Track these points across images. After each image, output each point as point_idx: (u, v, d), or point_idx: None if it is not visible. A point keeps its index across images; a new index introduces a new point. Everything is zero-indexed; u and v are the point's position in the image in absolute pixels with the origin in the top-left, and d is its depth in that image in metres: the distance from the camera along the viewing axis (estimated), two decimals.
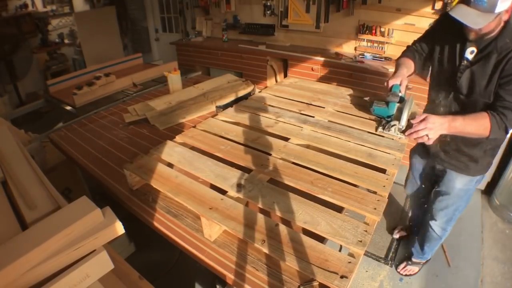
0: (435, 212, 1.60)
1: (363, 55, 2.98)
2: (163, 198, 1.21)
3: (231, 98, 2.08)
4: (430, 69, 1.44)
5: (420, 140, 1.16)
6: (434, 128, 1.12)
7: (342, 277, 0.81)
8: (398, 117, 1.39)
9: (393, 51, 2.93)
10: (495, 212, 2.36)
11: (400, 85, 1.39)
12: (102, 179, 1.40)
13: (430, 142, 1.15)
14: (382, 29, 2.94)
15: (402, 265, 1.91)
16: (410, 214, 2.12)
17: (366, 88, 2.69)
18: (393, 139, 1.43)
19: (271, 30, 3.70)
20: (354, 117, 1.64)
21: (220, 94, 2.12)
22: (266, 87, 2.30)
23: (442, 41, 1.32)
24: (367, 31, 3.02)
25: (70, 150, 1.67)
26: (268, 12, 3.62)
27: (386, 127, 1.46)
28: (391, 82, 1.40)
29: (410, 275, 1.88)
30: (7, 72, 3.65)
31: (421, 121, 1.13)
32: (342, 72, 2.87)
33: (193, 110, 1.96)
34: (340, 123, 1.58)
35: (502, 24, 1.11)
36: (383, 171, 1.23)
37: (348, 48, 3.26)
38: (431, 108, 1.42)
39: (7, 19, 4.04)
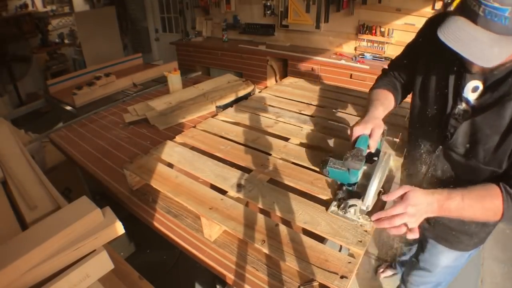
0: (410, 286, 1.25)
1: (363, 55, 2.98)
2: (163, 198, 1.21)
3: (231, 98, 2.08)
4: (410, 105, 0.97)
5: (394, 232, 0.75)
6: (417, 213, 0.72)
7: (342, 277, 0.81)
8: (362, 190, 0.90)
9: (393, 51, 2.93)
10: None
11: (370, 136, 0.88)
12: (102, 179, 1.40)
13: (413, 236, 0.74)
14: (382, 29, 2.94)
15: None
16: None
17: (366, 88, 2.68)
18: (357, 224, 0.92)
19: (271, 30, 3.70)
20: (354, 117, 1.64)
21: (220, 94, 2.12)
22: (266, 87, 2.30)
23: (427, 65, 0.86)
24: (367, 31, 3.02)
25: (70, 150, 1.67)
26: (268, 12, 3.62)
27: (342, 205, 0.93)
28: (357, 132, 0.89)
29: None
30: (7, 72, 3.65)
31: (398, 200, 0.74)
32: (342, 72, 2.87)
33: (193, 110, 1.95)
34: (340, 123, 1.58)
35: None
36: None
37: (348, 48, 3.26)
38: (408, 164, 1.00)
39: (7, 19, 4.05)
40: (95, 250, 0.75)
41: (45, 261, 0.69)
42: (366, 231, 0.89)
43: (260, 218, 1.00)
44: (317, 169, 1.21)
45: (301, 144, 1.41)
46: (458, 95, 0.79)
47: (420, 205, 0.72)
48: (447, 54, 0.70)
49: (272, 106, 1.80)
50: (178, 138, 1.49)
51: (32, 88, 4.40)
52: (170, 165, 1.31)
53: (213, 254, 0.99)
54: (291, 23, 3.49)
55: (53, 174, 1.85)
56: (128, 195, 1.26)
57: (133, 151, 1.59)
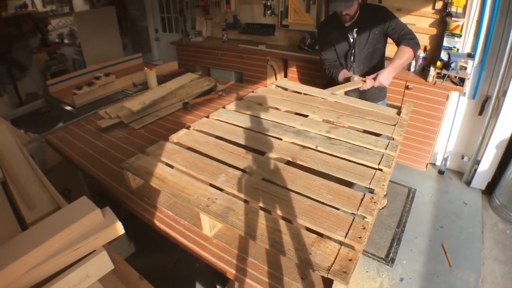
0: None
1: None
2: (163, 195, 1.21)
3: (196, 94, 2.28)
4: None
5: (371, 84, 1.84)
6: (386, 77, 1.82)
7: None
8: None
9: (393, 51, 2.91)
10: (496, 212, 2.36)
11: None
12: (101, 180, 1.40)
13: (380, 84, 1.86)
14: None
15: None
16: None
17: None
18: None
19: (271, 30, 3.69)
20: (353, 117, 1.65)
21: (186, 91, 2.28)
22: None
23: (333, 40, 1.99)
24: None
25: (68, 151, 1.67)
26: (268, 12, 3.62)
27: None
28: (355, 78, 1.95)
29: None
30: (7, 72, 3.65)
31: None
32: None
33: (164, 107, 2.08)
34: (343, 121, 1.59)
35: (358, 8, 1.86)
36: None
37: None
38: (350, 69, 2.06)
39: (7, 19, 4.04)
40: (95, 250, 0.75)
41: (45, 261, 0.69)
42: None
43: (261, 215, 1.00)
44: (326, 151, 1.22)
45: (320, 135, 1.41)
46: (348, 38, 1.96)
47: (384, 73, 1.82)
48: (338, 27, 1.95)
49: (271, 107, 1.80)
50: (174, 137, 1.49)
51: (32, 88, 4.40)
52: (167, 164, 1.30)
53: (214, 250, 0.99)
54: (291, 23, 3.49)
55: (53, 174, 1.85)
56: (128, 195, 1.26)
57: (132, 151, 1.58)
